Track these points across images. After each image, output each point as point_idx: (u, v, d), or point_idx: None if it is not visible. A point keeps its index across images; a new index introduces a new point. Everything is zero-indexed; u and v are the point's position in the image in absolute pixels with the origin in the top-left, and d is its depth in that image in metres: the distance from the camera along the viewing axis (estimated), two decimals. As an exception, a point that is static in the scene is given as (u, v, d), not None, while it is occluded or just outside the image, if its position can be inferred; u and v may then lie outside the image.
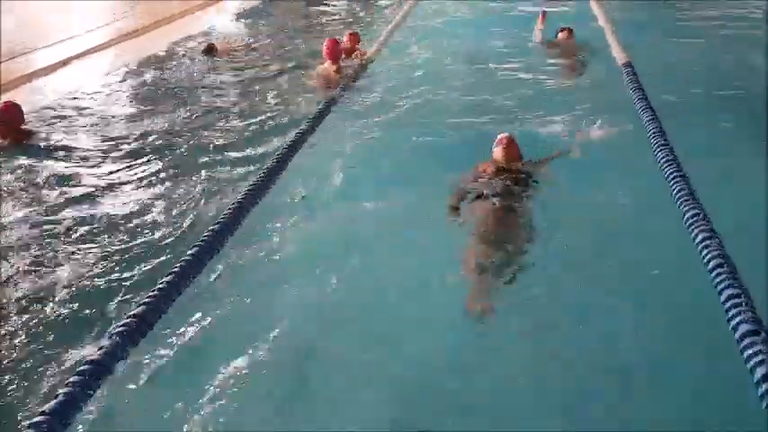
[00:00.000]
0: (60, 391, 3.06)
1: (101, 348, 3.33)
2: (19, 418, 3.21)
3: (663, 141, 5.35)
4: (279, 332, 3.79)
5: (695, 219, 4.10)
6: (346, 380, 3.51)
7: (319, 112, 6.77)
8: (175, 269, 3.97)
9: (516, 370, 3.52)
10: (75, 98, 7.81)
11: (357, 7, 13.17)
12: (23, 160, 6.01)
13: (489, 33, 10.26)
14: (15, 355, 3.64)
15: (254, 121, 7.00)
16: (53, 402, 3.00)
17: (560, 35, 9.15)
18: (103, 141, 6.57)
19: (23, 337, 3.78)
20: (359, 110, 7.18)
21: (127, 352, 3.37)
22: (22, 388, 3.41)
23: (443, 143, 6.18)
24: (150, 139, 6.59)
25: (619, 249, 4.50)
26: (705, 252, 3.76)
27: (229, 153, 6.16)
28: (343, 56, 8.73)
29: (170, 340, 3.66)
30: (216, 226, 4.47)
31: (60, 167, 5.95)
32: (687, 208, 4.27)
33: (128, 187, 5.60)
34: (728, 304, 3.31)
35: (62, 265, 4.45)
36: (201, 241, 4.30)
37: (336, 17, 12.50)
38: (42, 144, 6.42)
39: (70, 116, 7.26)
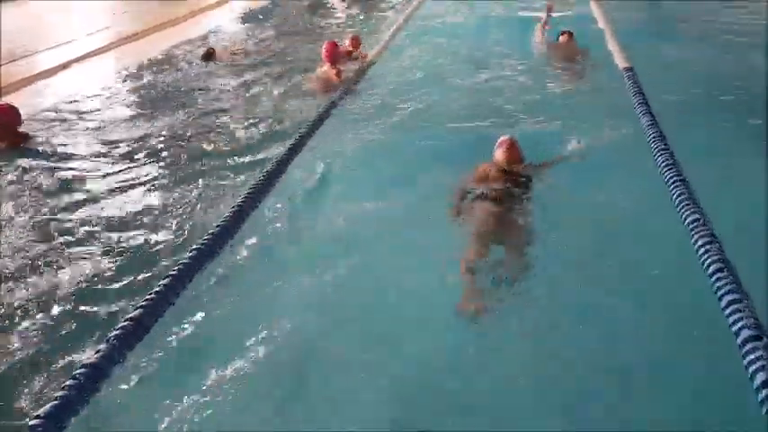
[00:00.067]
0: (56, 394, 3.02)
1: (97, 352, 3.27)
2: (14, 421, 3.19)
3: (663, 146, 5.33)
4: (279, 332, 3.80)
5: (695, 224, 4.08)
6: (346, 380, 3.51)
7: (320, 116, 6.74)
8: (173, 272, 3.92)
9: (516, 370, 3.52)
10: (74, 102, 7.80)
11: (359, 11, 13.20)
12: (19, 163, 5.98)
13: (490, 36, 10.33)
14: (11, 358, 3.62)
15: (253, 124, 7.01)
16: (48, 406, 2.95)
17: (561, 38, 9.18)
18: (101, 145, 6.55)
19: (19, 340, 3.76)
20: (359, 112, 7.18)
21: (124, 355, 3.32)
22: (18, 391, 3.39)
23: (444, 145, 6.18)
24: (148, 143, 6.57)
25: (619, 251, 4.50)
26: (705, 257, 3.74)
27: (228, 157, 6.16)
28: (345, 58, 8.74)
29: (169, 341, 3.66)
30: (215, 229, 4.41)
31: (57, 171, 5.92)
32: (687, 213, 4.26)
33: (124, 191, 5.58)
34: (729, 309, 3.28)
35: (57, 268, 4.43)
36: (200, 244, 4.24)
37: (338, 21, 12.54)
38: (39, 147, 6.40)
39: (68, 120, 7.25)
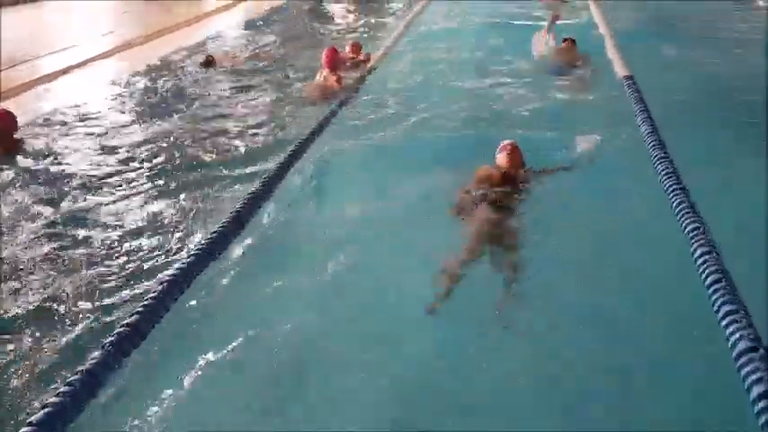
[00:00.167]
0: (49, 400, 2.96)
1: (92, 358, 3.23)
2: (7, 428, 3.16)
3: (663, 153, 5.36)
4: (279, 332, 3.81)
5: (695, 233, 4.10)
6: (346, 380, 3.50)
7: (320, 123, 6.72)
8: (170, 277, 3.91)
9: (516, 370, 3.52)
10: (72, 107, 7.73)
11: (361, 17, 13.25)
12: (14, 169, 5.94)
13: (491, 42, 10.35)
14: (4, 364, 3.57)
15: (253, 131, 7.01)
16: (41, 413, 2.89)
17: (563, 44, 9.21)
18: (98, 152, 6.49)
19: (13, 347, 3.71)
20: (360, 117, 7.20)
21: (120, 362, 3.28)
22: (11, 398, 3.36)
23: (444, 148, 6.19)
24: (146, 149, 6.52)
25: (618, 257, 4.52)
26: (704, 267, 3.74)
27: (227, 163, 6.14)
28: (347, 65, 8.77)
29: (168, 342, 3.64)
30: (213, 234, 4.41)
31: (52, 177, 5.86)
32: (687, 221, 4.27)
33: (121, 196, 5.54)
34: (726, 320, 3.28)
35: (52, 274, 4.39)
36: (198, 249, 4.24)
37: (339, 27, 12.59)
38: (35, 153, 6.34)
39: (66, 126, 7.19)
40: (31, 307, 4.04)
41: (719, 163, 5.58)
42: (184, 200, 5.38)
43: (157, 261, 4.51)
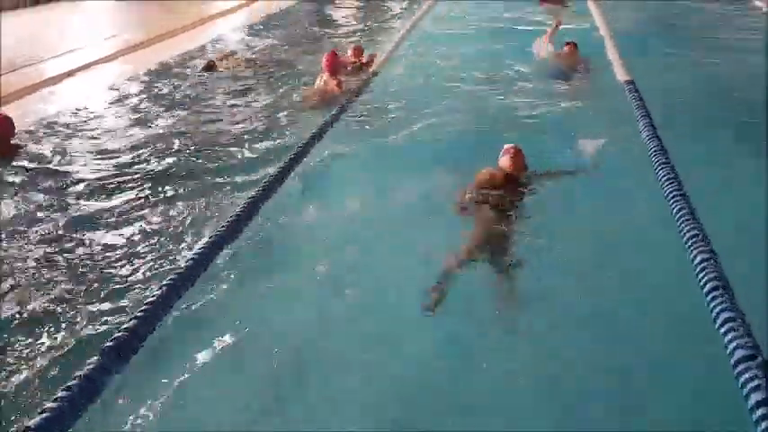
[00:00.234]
0: (47, 405, 2.90)
1: (91, 363, 3.16)
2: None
3: (664, 159, 5.35)
4: (278, 333, 3.82)
5: (694, 239, 4.09)
6: (346, 380, 3.51)
7: (319, 128, 6.64)
8: (170, 281, 3.84)
9: (516, 370, 3.52)
10: (72, 112, 7.68)
11: (364, 21, 13.27)
12: (11, 174, 5.92)
13: (493, 46, 10.37)
14: (3, 369, 3.56)
15: (254, 135, 6.99)
16: (39, 418, 2.84)
17: (565, 48, 9.23)
18: (97, 156, 6.45)
19: (12, 352, 3.69)
20: (361, 120, 7.22)
21: (119, 367, 3.23)
22: (10, 402, 3.35)
23: (445, 151, 6.21)
24: (146, 153, 6.49)
25: (618, 260, 4.53)
26: (703, 274, 3.74)
27: (229, 167, 6.15)
28: (349, 69, 8.77)
29: (167, 343, 3.63)
30: (212, 238, 4.37)
31: (50, 181, 5.82)
32: (686, 228, 4.26)
33: (121, 199, 5.51)
34: (724, 328, 3.25)
35: (49, 279, 4.36)
36: (197, 253, 4.19)
37: (340, 31, 12.60)
38: (33, 157, 6.31)
39: (64, 131, 7.13)
40: (29, 312, 4.02)
41: (720, 163, 5.60)
42: (185, 204, 5.37)
43: (157, 265, 4.51)
